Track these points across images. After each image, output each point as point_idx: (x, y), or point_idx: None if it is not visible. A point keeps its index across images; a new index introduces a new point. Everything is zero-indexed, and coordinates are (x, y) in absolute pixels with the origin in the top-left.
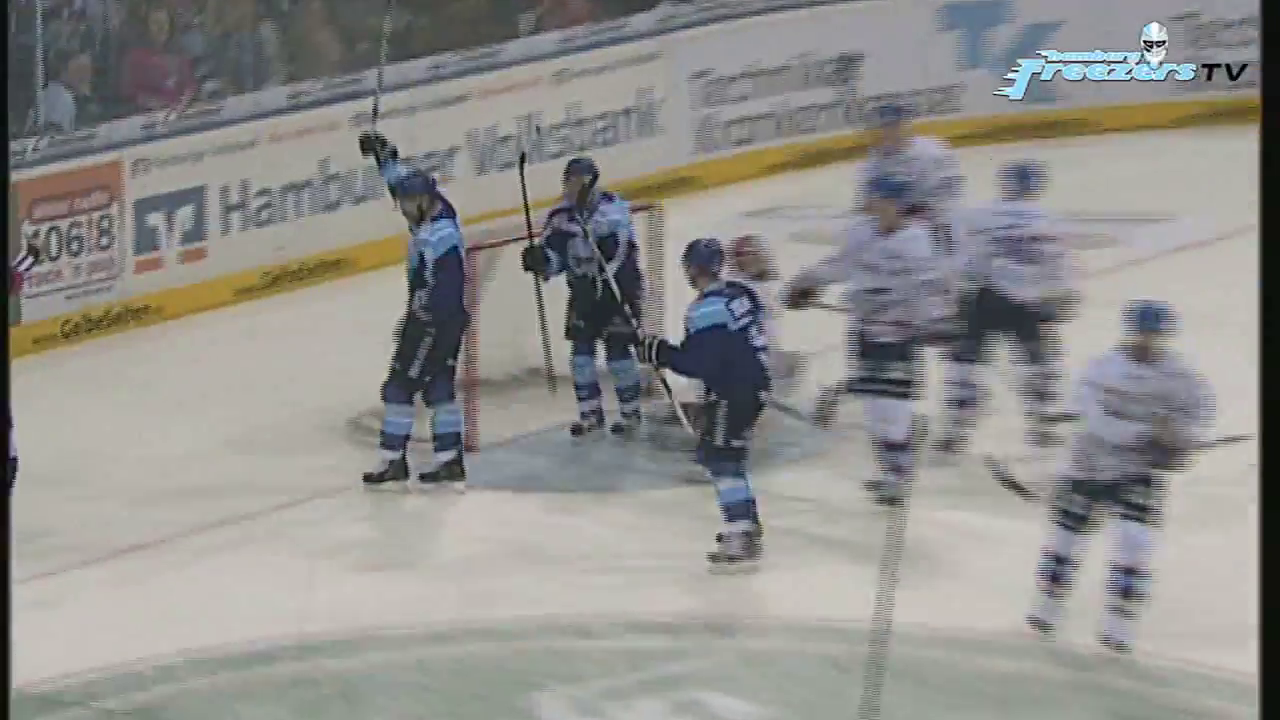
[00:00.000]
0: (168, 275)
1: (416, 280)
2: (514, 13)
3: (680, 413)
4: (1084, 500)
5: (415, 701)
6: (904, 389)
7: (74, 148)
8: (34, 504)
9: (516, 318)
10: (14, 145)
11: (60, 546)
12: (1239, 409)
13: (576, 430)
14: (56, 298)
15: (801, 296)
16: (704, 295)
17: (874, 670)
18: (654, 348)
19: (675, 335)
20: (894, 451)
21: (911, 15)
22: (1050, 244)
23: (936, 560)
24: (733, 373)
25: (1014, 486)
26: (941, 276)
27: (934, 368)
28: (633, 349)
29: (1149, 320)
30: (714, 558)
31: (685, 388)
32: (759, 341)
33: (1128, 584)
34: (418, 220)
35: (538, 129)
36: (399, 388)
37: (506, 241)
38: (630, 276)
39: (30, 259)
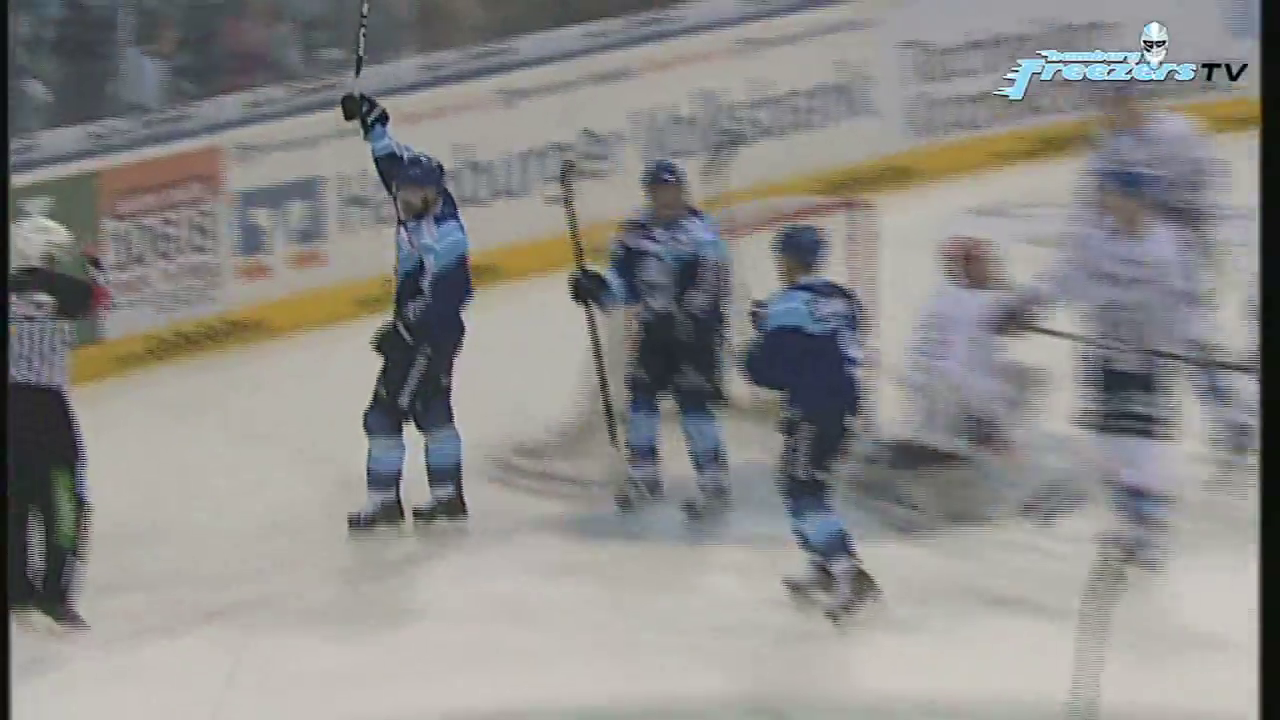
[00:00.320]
0: (276, 283)
1: (408, 288)
2: None
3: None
4: None
5: None
6: (1153, 426)
7: (165, 130)
8: (114, 555)
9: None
10: (94, 127)
11: (144, 607)
12: None
13: (624, 502)
14: (144, 310)
15: (1017, 321)
16: (787, 290)
17: None
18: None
19: (900, 366)
20: (1140, 499)
21: None
22: None
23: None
24: (813, 386)
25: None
26: (1198, 286)
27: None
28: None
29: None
30: (832, 615)
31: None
32: (851, 352)
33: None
34: (417, 216)
35: (728, 112)
36: (385, 416)
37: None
38: (714, 315)
39: (98, 270)
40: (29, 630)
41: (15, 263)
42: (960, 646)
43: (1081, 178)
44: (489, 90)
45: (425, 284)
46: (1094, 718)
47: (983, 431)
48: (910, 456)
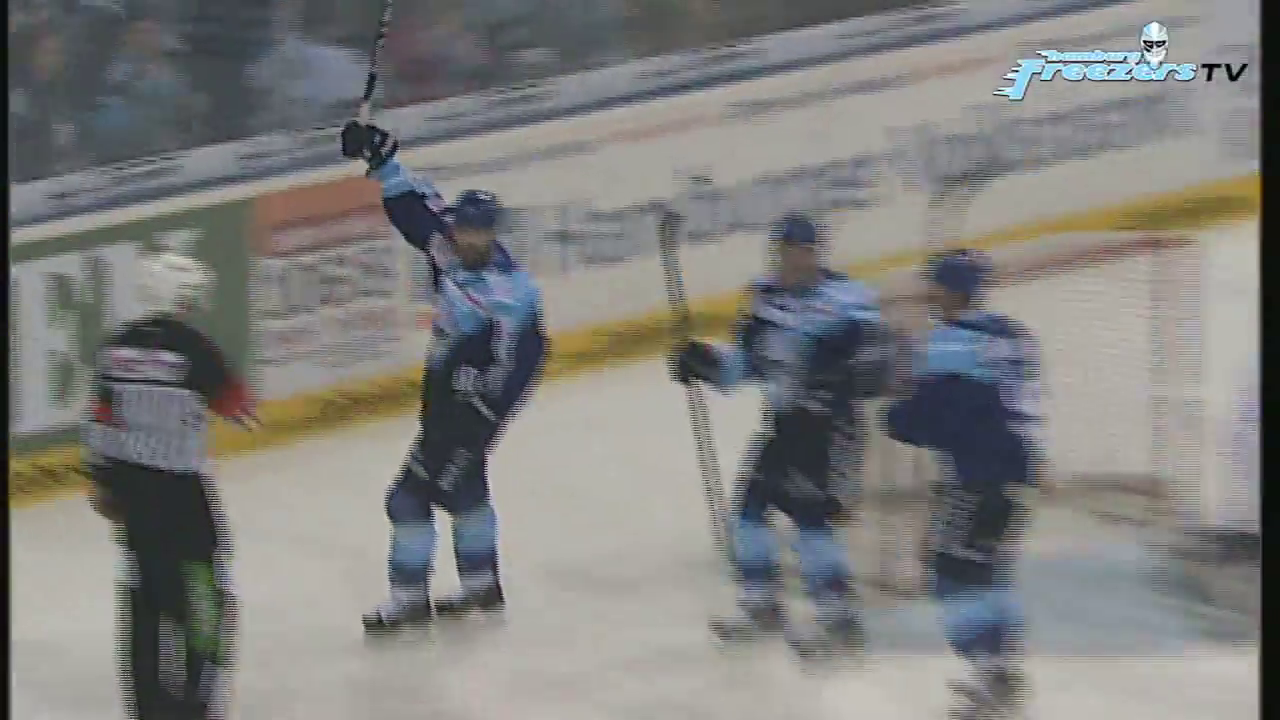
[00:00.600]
0: None
1: (474, 352)
2: None
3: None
4: None
5: None
6: None
7: (330, 150)
8: (269, 660)
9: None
10: (247, 146)
11: None
12: None
13: (725, 634)
14: (307, 365)
15: None
16: (948, 327)
17: None
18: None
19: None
20: None
21: None
22: None
23: None
24: (975, 447)
25: None
26: None
27: None
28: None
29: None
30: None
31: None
32: (1023, 406)
33: None
34: (474, 267)
35: (1011, 129)
36: (416, 500)
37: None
38: (844, 406)
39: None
40: None
41: (145, 307)
42: None
43: None
44: (721, 102)
45: (501, 349)
46: None
47: None
48: (1234, 547)
